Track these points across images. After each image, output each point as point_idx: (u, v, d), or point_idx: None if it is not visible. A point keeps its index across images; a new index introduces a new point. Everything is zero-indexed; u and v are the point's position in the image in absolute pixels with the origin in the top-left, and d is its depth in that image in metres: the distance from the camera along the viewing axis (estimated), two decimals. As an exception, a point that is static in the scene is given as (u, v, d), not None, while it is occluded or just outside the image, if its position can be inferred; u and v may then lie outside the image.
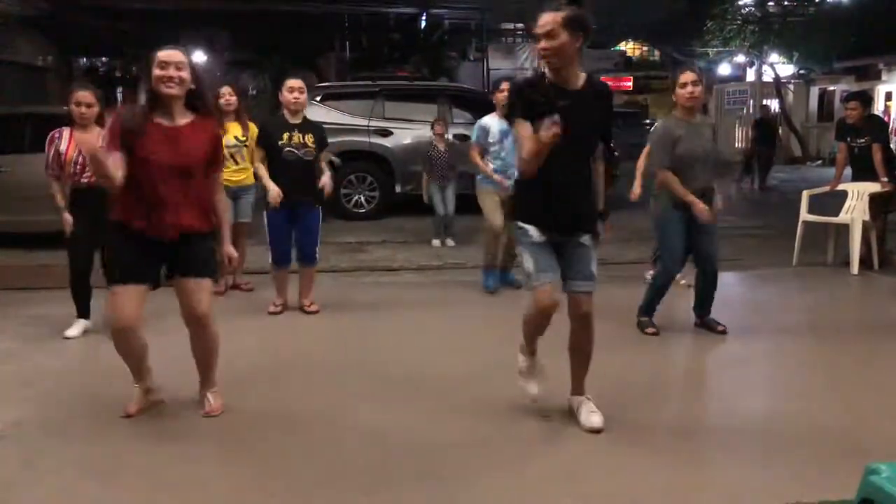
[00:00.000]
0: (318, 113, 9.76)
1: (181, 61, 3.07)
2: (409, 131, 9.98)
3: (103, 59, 23.42)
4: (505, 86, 5.28)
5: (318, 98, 10.12)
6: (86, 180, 4.36)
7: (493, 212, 5.61)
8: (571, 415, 3.31)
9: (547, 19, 2.90)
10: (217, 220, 3.31)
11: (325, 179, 4.93)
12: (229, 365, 3.81)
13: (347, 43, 25.18)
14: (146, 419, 3.32)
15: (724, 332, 4.58)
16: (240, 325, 4.79)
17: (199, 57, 25.07)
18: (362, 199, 10.07)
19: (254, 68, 23.99)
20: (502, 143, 5.47)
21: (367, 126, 9.91)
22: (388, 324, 4.95)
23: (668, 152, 4.38)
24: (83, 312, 4.62)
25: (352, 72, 20.26)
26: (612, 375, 3.83)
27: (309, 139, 4.84)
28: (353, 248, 7.90)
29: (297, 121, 4.87)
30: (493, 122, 5.54)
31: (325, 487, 2.72)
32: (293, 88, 4.83)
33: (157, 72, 3.05)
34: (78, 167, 4.37)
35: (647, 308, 4.68)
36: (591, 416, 3.21)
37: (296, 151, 4.80)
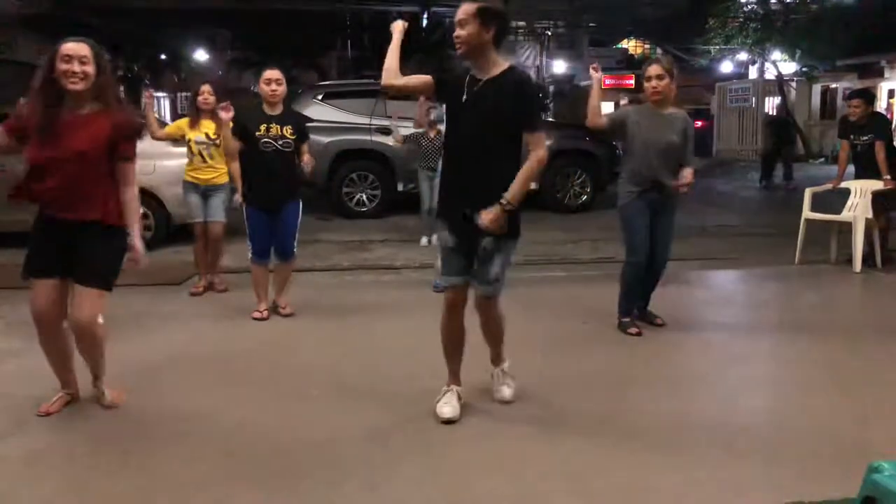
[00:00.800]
0: (320, 112, 9.80)
1: (85, 55, 3.02)
2: (410, 130, 9.95)
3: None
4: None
5: (319, 97, 10.13)
6: None
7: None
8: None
9: (462, 8, 2.97)
10: (126, 214, 3.21)
11: (307, 158, 4.80)
12: (221, 364, 3.82)
13: (349, 41, 25.22)
14: (148, 419, 3.32)
15: (661, 325, 4.58)
16: (230, 325, 4.79)
17: (202, 56, 25.22)
18: (364, 197, 10.07)
19: (255, 67, 24.02)
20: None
21: (369, 125, 9.91)
22: (390, 322, 4.93)
23: (615, 121, 4.49)
24: None
25: (353, 70, 20.28)
26: (611, 373, 3.83)
27: (287, 130, 4.70)
28: (354, 246, 7.90)
29: (276, 112, 4.73)
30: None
31: (328, 486, 2.72)
32: (270, 80, 4.69)
33: (60, 65, 2.99)
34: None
35: (624, 308, 4.57)
36: (503, 388, 3.40)
37: (273, 143, 4.67)
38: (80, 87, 3.02)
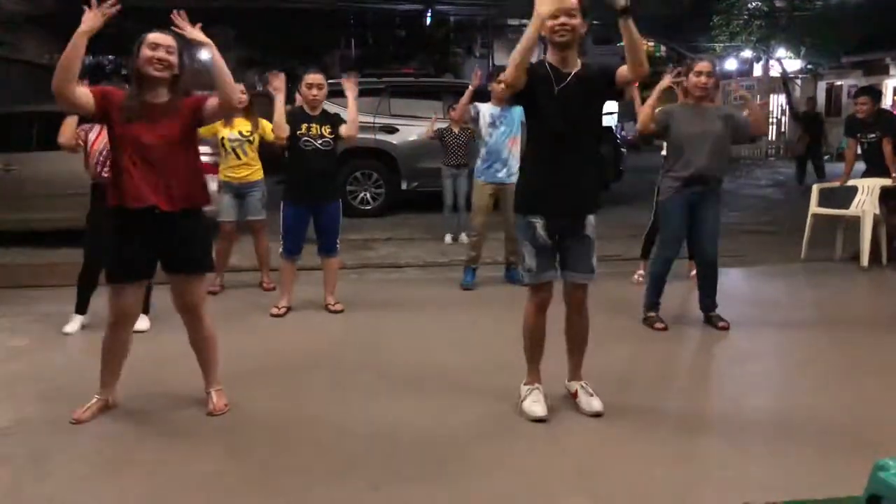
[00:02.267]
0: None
1: (171, 45, 3.10)
2: (414, 128, 9.97)
3: (110, 56, 23.46)
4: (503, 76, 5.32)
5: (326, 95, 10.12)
6: (107, 174, 4.37)
7: (478, 210, 5.77)
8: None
9: (572, 0, 3.02)
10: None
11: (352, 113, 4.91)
12: (235, 363, 3.83)
13: (353, 40, 25.18)
14: (155, 416, 3.33)
15: (725, 329, 4.57)
16: (245, 324, 4.81)
17: (206, 55, 25.20)
18: (368, 196, 10.07)
19: (260, 66, 24.00)
20: (493, 130, 5.54)
21: (373, 123, 9.90)
22: (394, 321, 4.94)
23: (662, 122, 4.52)
24: (81, 308, 4.64)
25: (357, 69, 20.27)
26: (618, 370, 3.83)
27: (326, 130, 4.87)
28: (359, 245, 7.90)
29: (316, 113, 4.90)
30: (486, 109, 5.62)
31: (332, 484, 2.73)
32: (312, 84, 4.83)
33: (146, 52, 3.06)
34: (101, 159, 4.36)
35: (648, 302, 4.69)
36: (591, 400, 3.31)
37: (313, 142, 4.82)
38: (164, 74, 3.07)
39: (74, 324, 4.60)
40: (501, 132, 5.50)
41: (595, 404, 3.30)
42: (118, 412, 3.35)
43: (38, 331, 4.64)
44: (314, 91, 4.83)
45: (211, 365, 3.42)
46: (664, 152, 4.79)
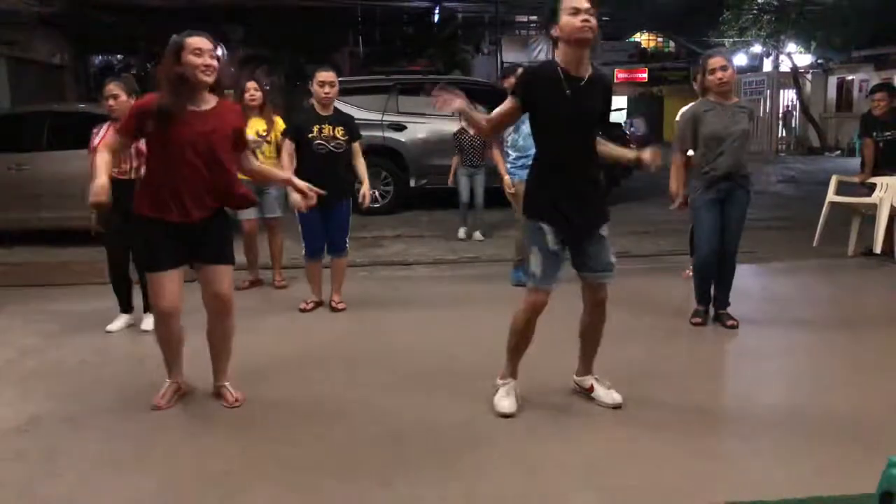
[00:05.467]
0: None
1: (212, 48, 3.11)
2: (423, 125, 9.98)
3: (119, 56, 23.57)
4: (512, 79, 5.33)
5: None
6: (114, 173, 4.40)
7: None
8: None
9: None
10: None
11: (364, 189, 4.96)
12: (249, 358, 3.85)
13: (361, 37, 25.19)
14: (166, 414, 3.35)
15: (734, 327, 4.53)
16: (259, 320, 4.82)
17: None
18: (377, 193, 10.07)
19: (268, 63, 24.04)
20: (516, 132, 5.48)
21: (381, 121, 9.92)
22: (404, 318, 4.95)
23: (689, 135, 4.44)
24: (125, 307, 4.68)
25: (366, 66, 20.26)
26: (629, 367, 3.82)
27: (339, 132, 4.84)
28: (368, 242, 7.92)
29: (328, 113, 4.87)
30: None
31: (344, 480, 2.74)
32: (324, 82, 4.80)
33: (193, 59, 3.06)
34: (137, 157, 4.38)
35: (699, 296, 4.66)
36: (611, 392, 3.34)
37: (326, 144, 4.80)
38: (211, 79, 3.10)
39: (118, 322, 4.64)
40: (526, 131, 5.41)
41: (616, 395, 3.32)
42: (131, 409, 3.37)
43: (52, 329, 4.67)
44: (326, 89, 4.80)
45: (227, 357, 3.45)
46: (691, 151, 4.72)
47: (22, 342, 4.45)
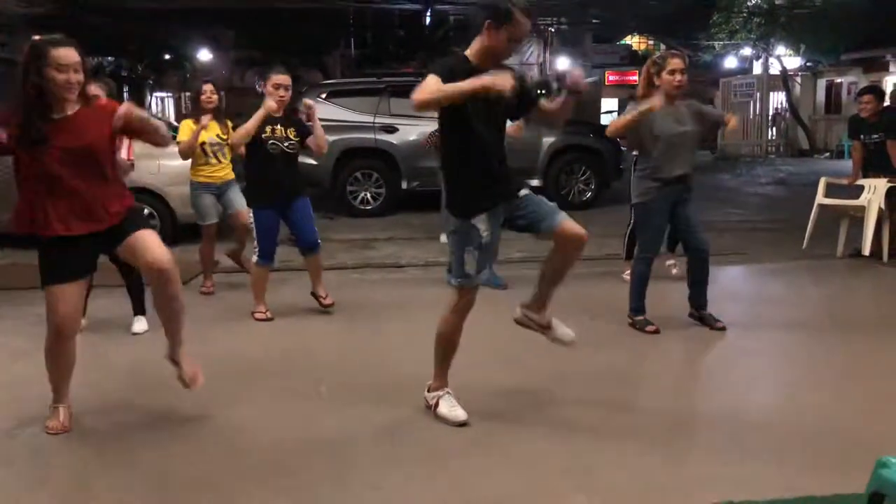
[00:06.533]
0: (325, 110, 9.73)
1: (78, 62, 2.92)
2: (414, 128, 9.98)
3: (109, 58, 23.49)
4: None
5: (323, 95, 10.12)
6: None
7: None
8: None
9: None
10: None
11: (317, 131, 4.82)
12: (232, 364, 3.83)
13: (353, 40, 25.19)
14: (155, 418, 3.33)
15: (722, 329, 4.51)
16: (241, 325, 4.80)
17: (205, 55, 25.27)
18: (368, 195, 10.07)
19: (259, 66, 23.99)
20: None
21: (373, 123, 9.91)
22: (395, 321, 4.94)
23: (641, 136, 4.40)
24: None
25: (357, 69, 20.27)
26: (618, 369, 3.83)
27: (291, 132, 4.79)
28: (359, 244, 7.91)
29: (280, 114, 4.79)
30: None
31: (334, 484, 2.73)
32: (279, 85, 4.73)
33: (57, 75, 2.86)
34: None
35: (637, 306, 4.55)
36: (566, 329, 3.27)
37: (280, 144, 4.74)
38: (74, 96, 2.93)
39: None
40: None
41: (569, 331, 3.27)
42: (122, 413, 3.35)
43: (41, 333, 4.59)
44: (281, 92, 4.73)
45: (180, 326, 3.23)
46: (635, 152, 4.72)
47: (11, 345, 4.43)
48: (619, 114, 18.88)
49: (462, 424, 3.17)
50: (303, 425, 3.24)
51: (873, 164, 6.52)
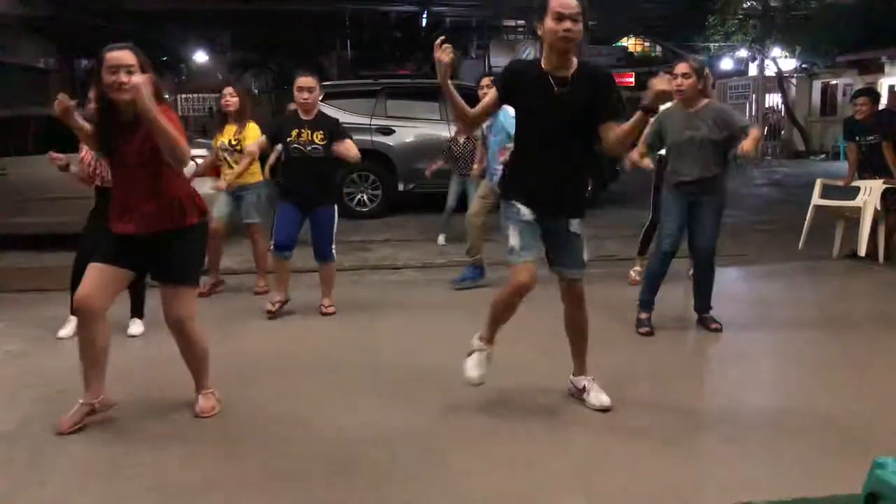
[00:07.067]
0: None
1: (132, 64, 2.97)
2: (411, 129, 9.99)
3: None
4: (486, 81, 5.36)
5: (319, 97, 10.12)
6: (99, 182, 4.37)
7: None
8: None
9: (575, 4, 2.96)
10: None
11: (348, 145, 4.92)
12: (231, 366, 3.82)
13: (349, 41, 25.19)
14: (153, 420, 3.32)
15: (717, 330, 4.53)
16: (240, 326, 4.80)
17: (202, 57, 25.25)
18: (365, 197, 10.07)
19: (256, 68, 23.98)
20: (486, 139, 5.58)
21: (370, 125, 9.91)
22: (392, 322, 4.94)
23: (654, 136, 4.55)
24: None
25: (353, 70, 20.26)
26: (616, 371, 3.82)
27: (318, 136, 4.80)
28: (356, 246, 7.90)
29: (309, 117, 4.85)
30: None
31: (332, 485, 2.73)
32: (302, 87, 4.80)
33: (107, 77, 2.95)
34: (90, 168, 4.36)
35: (645, 300, 4.58)
36: (600, 395, 3.34)
37: (301, 149, 4.78)
38: (127, 97, 2.95)
39: (69, 327, 4.57)
40: (494, 141, 5.46)
41: (604, 398, 3.33)
42: (115, 415, 3.33)
43: (35, 335, 4.63)
44: (305, 94, 4.79)
45: (201, 373, 3.37)
46: (662, 151, 4.77)
47: (5, 348, 4.41)
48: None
49: (469, 383, 3.24)
50: (299, 427, 3.23)
51: (868, 166, 6.54)
